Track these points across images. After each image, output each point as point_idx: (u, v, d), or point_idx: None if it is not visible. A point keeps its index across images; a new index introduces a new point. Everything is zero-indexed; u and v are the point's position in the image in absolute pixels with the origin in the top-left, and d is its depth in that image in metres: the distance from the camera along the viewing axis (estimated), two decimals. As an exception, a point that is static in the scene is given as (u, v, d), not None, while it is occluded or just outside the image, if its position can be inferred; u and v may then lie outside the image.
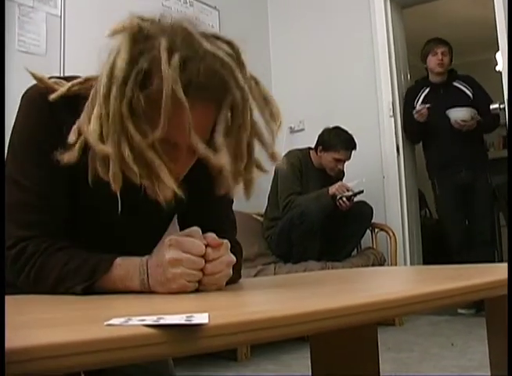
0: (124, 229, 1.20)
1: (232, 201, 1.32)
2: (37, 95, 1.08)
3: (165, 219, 1.30)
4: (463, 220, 4.12)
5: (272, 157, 1.04)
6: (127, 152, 0.94)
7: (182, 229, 1.17)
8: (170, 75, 0.91)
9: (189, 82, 0.93)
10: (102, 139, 0.95)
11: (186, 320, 0.57)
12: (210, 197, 1.16)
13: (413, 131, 4.24)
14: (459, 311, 3.91)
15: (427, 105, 4.00)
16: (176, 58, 0.93)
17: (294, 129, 4.71)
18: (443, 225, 4.31)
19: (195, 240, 0.97)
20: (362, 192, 3.73)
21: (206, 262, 0.97)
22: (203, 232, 1.00)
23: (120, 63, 0.94)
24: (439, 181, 4.19)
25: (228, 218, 1.33)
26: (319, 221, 3.48)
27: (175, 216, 1.32)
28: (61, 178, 1.09)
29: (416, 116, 4.04)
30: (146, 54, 0.95)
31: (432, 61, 4.16)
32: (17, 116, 1.10)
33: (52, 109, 1.06)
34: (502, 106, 3.73)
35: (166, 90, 0.90)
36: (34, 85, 1.10)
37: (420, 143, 4.41)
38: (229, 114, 1.00)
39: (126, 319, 0.57)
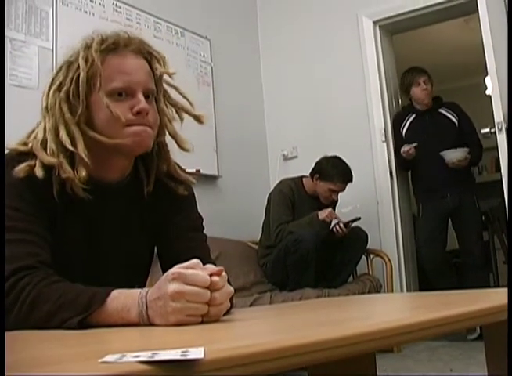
0: (102, 262, 1.30)
1: (206, 236, 1.45)
2: (10, 159, 1.21)
3: (143, 253, 1.42)
4: (439, 247, 4.08)
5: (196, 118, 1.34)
6: (63, 137, 1.18)
7: (163, 264, 1.39)
8: (86, 48, 1.22)
9: (115, 43, 1.23)
10: (45, 147, 1.19)
11: (182, 355, 0.56)
12: (182, 230, 1.38)
13: (402, 162, 4.26)
14: (469, 337, 3.85)
15: (414, 144, 4.00)
16: (98, 37, 1.23)
17: (288, 156, 4.71)
18: (418, 250, 4.33)
19: (199, 271, 0.96)
20: (359, 219, 3.72)
21: (213, 291, 0.96)
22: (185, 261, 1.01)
23: (51, 81, 1.24)
24: (424, 206, 4.20)
25: (205, 248, 1.41)
26: (313, 247, 3.46)
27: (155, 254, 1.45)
28: (43, 216, 1.19)
29: (404, 155, 4.05)
30: (72, 59, 1.24)
31: (418, 92, 4.16)
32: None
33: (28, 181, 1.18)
34: (492, 130, 3.75)
35: (82, 55, 1.20)
36: (9, 152, 1.23)
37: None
38: (157, 64, 1.28)
39: (120, 355, 0.56)
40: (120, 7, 3.67)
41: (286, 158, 4.73)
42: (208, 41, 4.36)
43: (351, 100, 4.50)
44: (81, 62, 1.20)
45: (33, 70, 3.10)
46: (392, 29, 4.59)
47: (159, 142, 1.33)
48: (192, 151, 1.36)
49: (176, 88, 1.35)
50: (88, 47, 1.22)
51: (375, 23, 4.45)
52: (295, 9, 4.82)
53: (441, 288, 3.75)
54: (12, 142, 1.25)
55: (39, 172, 1.17)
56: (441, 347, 3.67)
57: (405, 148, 4.03)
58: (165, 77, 1.33)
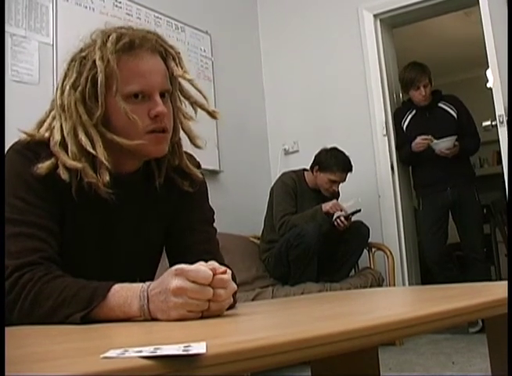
0: (111, 257, 1.29)
1: (216, 229, 1.44)
2: (20, 147, 1.20)
3: (157, 245, 1.40)
4: (440, 240, 4.09)
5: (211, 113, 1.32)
6: (83, 139, 1.17)
7: (172, 257, 1.40)
8: (103, 47, 1.18)
9: (131, 41, 1.20)
10: (66, 149, 1.17)
11: (184, 350, 0.56)
12: (193, 222, 1.38)
13: (405, 156, 4.26)
14: (471, 330, 3.86)
15: (432, 139, 3.98)
16: (113, 35, 1.20)
17: (289, 151, 4.71)
18: (419, 243, 4.34)
19: (201, 268, 0.96)
20: (359, 211, 3.72)
21: (219, 288, 0.96)
22: (195, 255, 1.01)
23: (64, 76, 1.23)
24: (424, 200, 4.21)
25: (215, 242, 1.41)
26: (316, 242, 3.47)
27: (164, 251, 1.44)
28: (53, 209, 1.18)
29: (416, 143, 4.03)
30: (85, 54, 1.21)
31: (416, 96, 4.14)
32: (5, 169, 1.19)
33: (35, 157, 1.18)
34: (494, 123, 3.75)
35: (98, 56, 1.17)
36: (17, 142, 1.22)
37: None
38: (173, 65, 1.26)
39: (122, 350, 0.56)
40: (120, 2, 3.66)
41: (287, 153, 4.73)
42: (209, 35, 4.35)
43: (352, 94, 4.50)
44: (99, 63, 1.17)
45: (34, 65, 3.10)
46: (393, 22, 4.59)
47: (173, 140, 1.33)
48: (204, 148, 1.36)
49: (191, 83, 1.33)
50: (103, 46, 1.19)
51: (375, 16, 4.44)
52: (295, 2, 4.81)
53: (442, 281, 3.76)
54: (12, 139, 1.23)
55: (64, 175, 1.16)
56: (444, 340, 3.67)
57: (423, 137, 4.01)
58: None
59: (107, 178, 1.18)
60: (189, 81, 1.29)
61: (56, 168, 1.17)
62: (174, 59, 1.27)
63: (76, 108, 1.18)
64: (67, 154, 1.17)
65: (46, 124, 1.24)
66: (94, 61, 1.18)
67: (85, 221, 1.24)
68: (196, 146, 1.36)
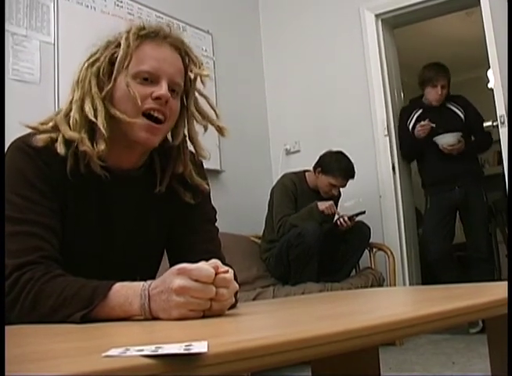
0: (116, 249, 1.30)
1: (218, 229, 1.45)
2: (21, 144, 1.20)
3: (157, 244, 1.41)
4: (444, 239, 4.09)
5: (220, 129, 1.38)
6: (87, 109, 1.20)
7: (174, 256, 1.40)
8: (129, 31, 1.25)
9: (156, 31, 1.27)
10: (69, 121, 1.21)
11: (185, 349, 0.56)
12: (195, 223, 1.39)
13: (408, 150, 4.25)
14: (471, 331, 3.85)
15: (433, 124, 4.00)
16: (141, 23, 1.28)
17: (290, 151, 4.71)
18: (423, 242, 4.34)
19: (203, 266, 0.96)
20: (363, 213, 3.71)
21: (221, 287, 0.96)
22: (196, 255, 1.02)
23: (88, 57, 1.28)
24: (431, 199, 4.20)
25: (218, 241, 1.42)
26: (316, 242, 3.46)
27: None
28: (54, 206, 1.18)
29: (417, 130, 4.04)
30: (114, 39, 1.28)
31: (431, 94, 4.13)
32: (6, 165, 1.19)
33: (36, 154, 1.19)
34: (495, 123, 3.74)
35: (124, 38, 1.24)
36: (18, 138, 1.23)
37: (415, 163, 4.41)
38: (192, 66, 1.31)
39: (124, 349, 0.56)
40: (121, 1, 3.66)
41: (288, 152, 4.73)
42: (210, 35, 4.35)
43: (354, 94, 4.49)
44: (123, 42, 1.24)
45: (35, 64, 3.10)
46: (394, 22, 4.58)
47: (179, 145, 1.35)
48: (208, 159, 1.39)
49: (206, 98, 1.38)
50: (130, 30, 1.26)
51: (377, 16, 4.44)
52: (297, 2, 4.81)
53: (444, 281, 3.76)
54: (13, 138, 1.23)
55: (61, 148, 1.18)
56: (444, 340, 3.67)
57: (422, 123, 4.02)
58: (197, 86, 1.35)
59: (102, 147, 1.20)
60: (206, 76, 1.34)
61: (54, 143, 1.19)
62: (195, 64, 1.32)
63: (89, 81, 1.24)
64: (69, 127, 1.20)
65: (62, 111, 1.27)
66: (118, 44, 1.25)
67: (82, 215, 1.25)
68: (201, 156, 1.39)
